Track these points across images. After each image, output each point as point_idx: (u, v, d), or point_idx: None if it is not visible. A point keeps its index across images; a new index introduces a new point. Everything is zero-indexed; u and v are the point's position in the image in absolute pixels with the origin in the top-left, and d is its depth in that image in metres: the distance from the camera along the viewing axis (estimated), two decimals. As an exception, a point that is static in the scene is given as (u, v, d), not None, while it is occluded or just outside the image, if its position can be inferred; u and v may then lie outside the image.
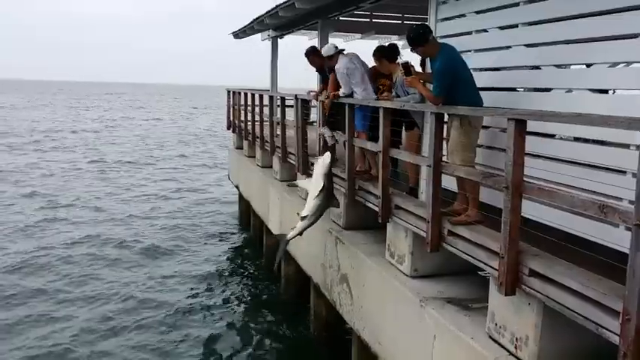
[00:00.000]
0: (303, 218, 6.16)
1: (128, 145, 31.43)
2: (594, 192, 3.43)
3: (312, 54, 7.38)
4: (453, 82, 4.42)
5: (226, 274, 10.92)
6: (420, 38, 4.58)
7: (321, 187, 6.05)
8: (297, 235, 6.28)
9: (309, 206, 6.18)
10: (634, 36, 3.46)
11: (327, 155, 6.15)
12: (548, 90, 4.25)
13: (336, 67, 6.60)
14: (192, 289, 9.92)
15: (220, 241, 13.09)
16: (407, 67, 4.74)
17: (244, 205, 13.21)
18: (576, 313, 3.07)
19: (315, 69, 7.83)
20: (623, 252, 3.02)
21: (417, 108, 5.49)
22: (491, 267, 3.80)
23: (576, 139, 3.90)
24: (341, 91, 6.59)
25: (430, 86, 4.63)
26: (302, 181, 7.35)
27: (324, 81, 7.62)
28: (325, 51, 6.84)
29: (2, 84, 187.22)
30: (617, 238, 3.30)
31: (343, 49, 6.85)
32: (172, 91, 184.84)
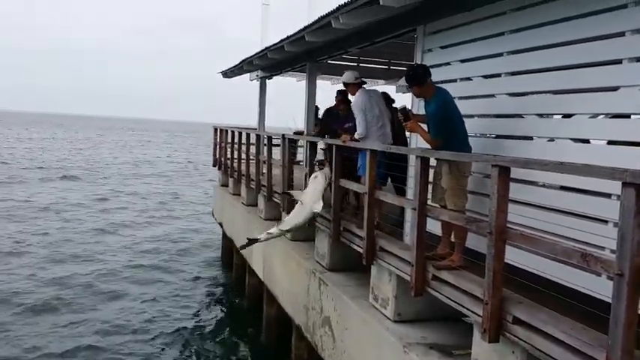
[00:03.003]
0: (281, 230, 6.46)
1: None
2: (577, 240, 3.47)
3: (342, 94, 7.57)
4: (447, 125, 4.49)
5: (206, 312, 10.73)
6: (419, 78, 4.66)
7: (318, 210, 6.26)
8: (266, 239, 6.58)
9: (293, 220, 6.36)
10: (614, 89, 3.58)
11: (327, 171, 6.36)
12: (530, 138, 4.34)
13: (353, 102, 6.46)
14: (171, 327, 9.69)
15: (201, 279, 12.89)
16: (405, 113, 4.82)
17: (227, 243, 13.09)
18: (560, 362, 3.05)
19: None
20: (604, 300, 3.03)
21: (403, 151, 5.56)
22: (475, 313, 3.78)
23: (559, 188, 3.97)
24: (357, 134, 6.26)
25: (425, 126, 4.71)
26: (296, 192, 7.04)
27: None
28: (345, 77, 6.69)
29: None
30: (599, 287, 3.32)
31: (365, 82, 6.65)
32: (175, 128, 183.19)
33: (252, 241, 6.63)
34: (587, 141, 4.03)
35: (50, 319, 9.77)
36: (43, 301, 10.54)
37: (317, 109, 9.88)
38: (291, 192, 7.31)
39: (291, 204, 7.92)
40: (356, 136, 6.26)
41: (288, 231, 6.48)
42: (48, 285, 11.53)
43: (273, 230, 6.50)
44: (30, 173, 30.75)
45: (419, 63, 5.31)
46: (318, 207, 6.28)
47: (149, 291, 11.65)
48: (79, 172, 32.61)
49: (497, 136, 4.73)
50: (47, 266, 12.95)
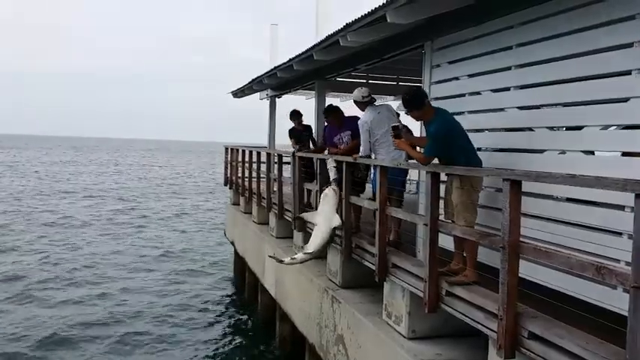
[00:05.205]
0: (307, 253, 6.34)
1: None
2: (590, 253, 3.43)
3: (329, 113, 7.36)
4: (449, 145, 4.47)
5: (219, 331, 10.66)
6: (416, 102, 4.64)
7: (337, 224, 6.21)
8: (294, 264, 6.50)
9: (316, 241, 6.27)
10: (624, 100, 3.57)
11: (335, 188, 6.32)
12: (541, 151, 4.32)
13: (360, 121, 6.31)
14: (183, 345, 9.66)
15: (213, 297, 12.86)
16: (397, 130, 4.83)
17: (239, 261, 13.08)
18: (578, 377, 3.00)
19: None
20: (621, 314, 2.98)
21: (412, 167, 5.56)
22: (489, 329, 3.74)
23: (572, 200, 3.94)
24: (360, 152, 6.22)
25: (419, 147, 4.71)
26: (309, 214, 7.06)
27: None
28: (354, 96, 6.46)
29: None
30: (615, 300, 3.28)
31: (374, 99, 6.44)
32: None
33: (278, 260, 6.71)
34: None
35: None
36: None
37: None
38: (303, 215, 7.26)
39: (304, 223, 7.92)
40: (360, 154, 6.27)
41: (312, 254, 6.37)
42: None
43: (298, 256, 6.47)
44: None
45: (415, 86, 5.29)
46: (336, 221, 6.28)
47: (160, 309, 11.61)
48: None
49: (508, 150, 4.71)
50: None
